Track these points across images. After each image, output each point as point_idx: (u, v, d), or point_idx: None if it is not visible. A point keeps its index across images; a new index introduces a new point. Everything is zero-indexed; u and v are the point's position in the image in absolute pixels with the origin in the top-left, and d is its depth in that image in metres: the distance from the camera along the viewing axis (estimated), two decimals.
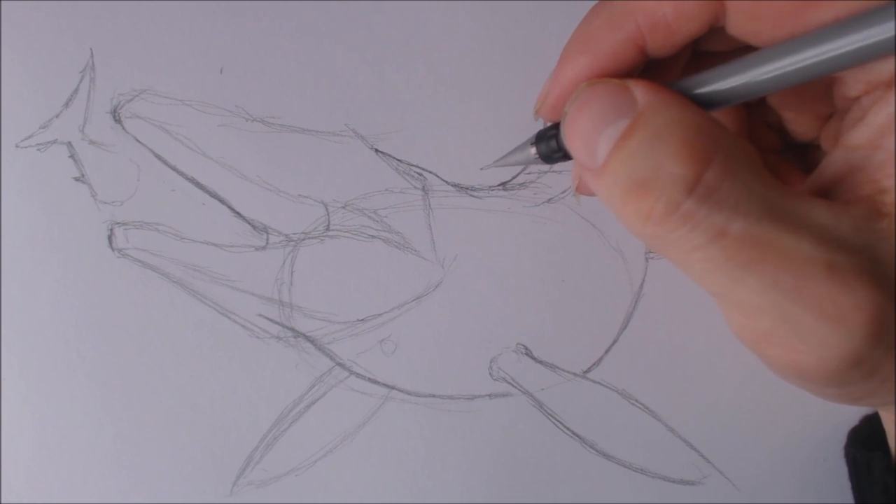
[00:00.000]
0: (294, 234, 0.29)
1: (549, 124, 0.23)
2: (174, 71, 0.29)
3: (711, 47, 0.21)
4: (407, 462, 0.29)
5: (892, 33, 0.16)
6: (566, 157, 0.22)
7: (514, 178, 0.29)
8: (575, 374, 0.29)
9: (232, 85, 0.29)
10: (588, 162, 0.18)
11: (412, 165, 0.29)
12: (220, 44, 0.29)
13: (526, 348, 0.29)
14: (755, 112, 0.24)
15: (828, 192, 0.18)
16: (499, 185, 0.29)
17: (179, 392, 0.29)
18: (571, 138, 0.19)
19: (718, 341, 0.29)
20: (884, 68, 0.17)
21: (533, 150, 0.23)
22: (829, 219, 0.16)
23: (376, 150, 0.29)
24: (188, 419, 0.29)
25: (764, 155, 0.25)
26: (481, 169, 0.29)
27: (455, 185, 0.29)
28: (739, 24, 0.18)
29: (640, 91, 0.17)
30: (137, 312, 0.29)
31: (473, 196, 0.29)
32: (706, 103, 0.18)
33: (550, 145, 0.22)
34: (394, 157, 0.29)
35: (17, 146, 0.29)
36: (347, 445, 0.29)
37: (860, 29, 0.16)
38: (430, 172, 0.29)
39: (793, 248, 0.16)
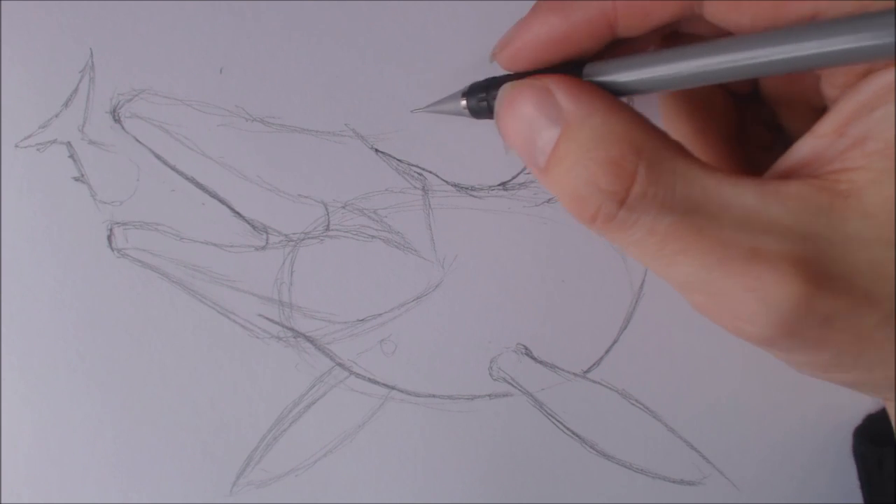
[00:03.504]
0: (294, 234, 0.29)
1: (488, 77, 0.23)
2: (174, 71, 0.29)
3: (692, 30, 0.21)
4: (407, 462, 0.29)
5: (854, 45, 0.16)
6: (491, 116, 0.23)
7: (514, 178, 0.29)
8: (575, 374, 0.29)
9: (232, 85, 0.29)
10: (530, 164, 0.20)
11: (412, 165, 0.29)
12: (220, 44, 0.29)
13: (526, 348, 0.29)
14: (749, 110, 0.24)
15: (790, 176, 0.19)
16: (499, 185, 0.29)
17: (179, 392, 0.29)
18: (508, 139, 0.20)
19: (718, 341, 0.29)
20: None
21: (463, 103, 0.23)
22: (756, 201, 0.17)
23: (376, 150, 0.29)
24: (188, 419, 0.29)
25: (755, 152, 0.25)
26: (412, 111, 0.28)
27: (455, 185, 0.29)
28: (718, 14, 0.18)
29: (563, 97, 0.19)
30: (137, 312, 0.29)
31: (473, 196, 0.29)
32: (635, 88, 0.19)
33: (481, 105, 0.23)
34: (394, 157, 0.29)
35: (16, 146, 0.29)
36: (347, 445, 0.29)
37: (826, 35, 0.16)
38: (430, 172, 0.29)
39: (716, 235, 0.17)
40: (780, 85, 0.23)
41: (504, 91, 0.20)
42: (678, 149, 0.18)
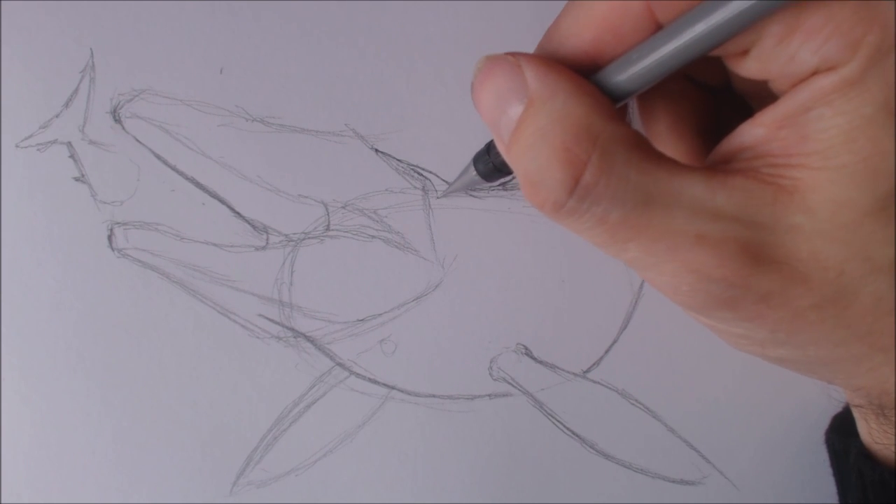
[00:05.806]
0: (294, 234, 0.29)
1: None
2: (174, 71, 0.29)
3: None
4: (407, 462, 0.29)
5: None
6: (504, 174, 0.24)
7: (513, 177, 0.29)
8: (575, 374, 0.29)
9: (232, 85, 0.29)
10: (496, 139, 0.20)
11: (412, 165, 0.29)
12: (220, 44, 0.29)
13: (526, 348, 0.29)
14: (724, 103, 0.24)
15: (729, 160, 0.19)
16: (499, 185, 0.29)
17: (179, 392, 0.29)
18: (480, 112, 0.20)
19: (718, 341, 0.29)
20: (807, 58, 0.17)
21: (473, 172, 0.24)
22: (704, 191, 0.18)
23: (376, 150, 0.29)
24: (188, 419, 0.29)
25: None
26: (436, 198, 0.29)
27: None
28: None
29: (531, 75, 0.19)
30: (137, 312, 0.29)
31: (473, 196, 0.29)
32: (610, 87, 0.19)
33: (487, 167, 0.24)
34: (394, 157, 0.29)
35: (17, 146, 0.29)
36: (347, 445, 0.29)
37: None
38: (431, 172, 0.29)
39: (665, 225, 0.18)
40: (748, 80, 0.23)
41: (480, 63, 0.20)
42: (635, 138, 0.18)
